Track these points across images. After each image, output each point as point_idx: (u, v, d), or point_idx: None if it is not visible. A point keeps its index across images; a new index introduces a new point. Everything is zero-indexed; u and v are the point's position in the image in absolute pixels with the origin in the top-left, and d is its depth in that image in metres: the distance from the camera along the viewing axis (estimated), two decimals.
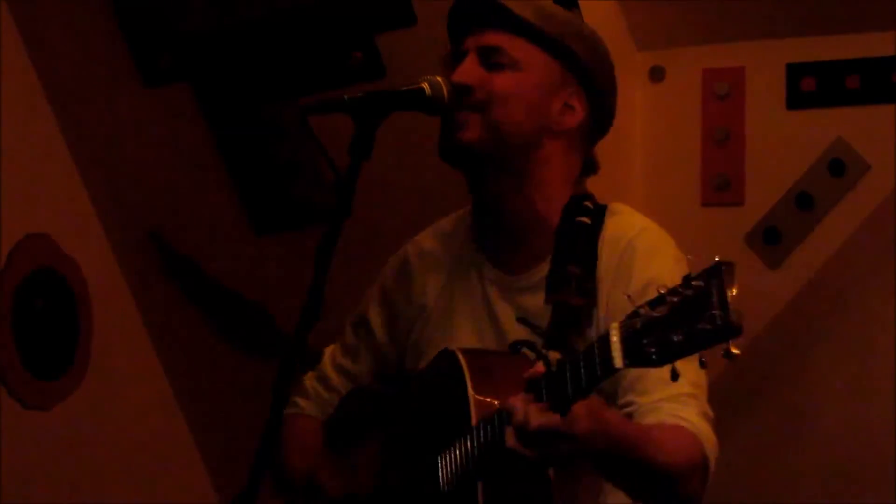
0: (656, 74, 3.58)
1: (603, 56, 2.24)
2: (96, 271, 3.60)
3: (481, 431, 1.91)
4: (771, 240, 3.42)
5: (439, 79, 2.06)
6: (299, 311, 1.88)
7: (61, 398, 3.47)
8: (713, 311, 1.51)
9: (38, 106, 3.51)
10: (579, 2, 3.23)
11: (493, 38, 2.14)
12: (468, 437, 1.94)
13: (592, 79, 2.20)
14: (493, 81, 2.12)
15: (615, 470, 1.91)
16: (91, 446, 3.54)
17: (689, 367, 2.01)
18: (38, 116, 3.51)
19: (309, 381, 2.38)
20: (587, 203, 2.16)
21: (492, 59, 2.13)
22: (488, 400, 1.95)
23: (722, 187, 3.49)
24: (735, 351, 1.53)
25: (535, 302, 2.10)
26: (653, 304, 1.58)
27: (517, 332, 2.08)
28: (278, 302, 3.61)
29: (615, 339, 1.64)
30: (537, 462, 1.81)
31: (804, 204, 3.38)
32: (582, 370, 1.71)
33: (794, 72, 3.42)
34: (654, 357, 1.58)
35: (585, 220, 2.13)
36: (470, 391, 1.96)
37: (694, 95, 3.53)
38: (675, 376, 1.58)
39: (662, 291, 1.58)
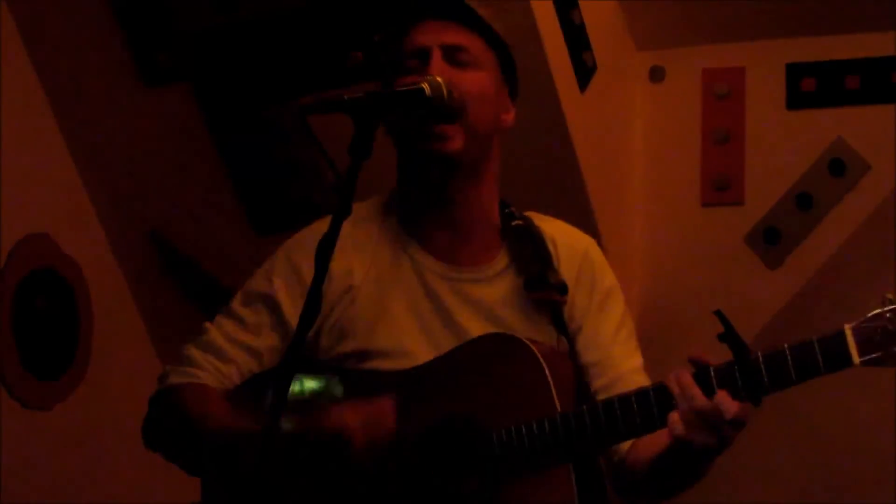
0: (656, 74, 3.58)
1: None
2: (96, 271, 3.60)
3: (570, 420, 1.96)
4: (771, 240, 3.42)
5: (439, 79, 2.05)
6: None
7: (61, 398, 3.47)
8: None
9: (38, 106, 3.51)
10: (579, 2, 3.23)
11: (457, 36, 2.15)
12: (550, 422, 1.97)
13: (513, 74, 2.23)
14: (464, 82, 2.11)
15: (695, 470, 2.01)
16: (91, 446, 3.54)
17: (646, 377, 2.15)
18: (38, 116, 3.51)
19: (195, 352, 2.24)
20: (511, 209, 2.22)
21: (457, 58, 2.14)
22: (565, 391, 2.00)
23: (722, 187, 3.49)
24: None
25: (489, 293, 2.13)
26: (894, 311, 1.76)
27: (471, 322, 2.10)
28: None
29: (850, 335, 1.81)
30: (704, 449, 1.87)
31: (804, 204, 3.38)
32: (790, 363, 1.85)
33: (794, 72, 3.42)
34: (881, 360, 1.76)
35: (520, 222, 2.18)
36: (550, 380, 1.99)
37: (694, 95, 3.53)
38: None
39: None
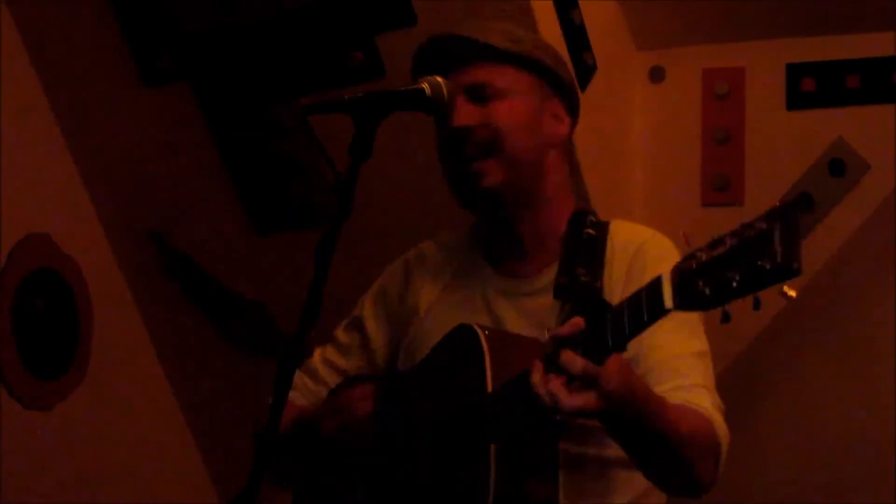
0: (656, 74, 3.58)
1: (560, 57, 2.27)
2: (96, 271, 3.61)
3: (498, 397, 1.93)
4: None
5: (439, 79, 2.06)
6: (299, 311, 1.88)
7: (61, 398, 3.47)
8: (774, 249, 1.47)
9: (38, 106, 3.51)
10: (579, 2, 3.23)
11: (476, 75, 2.15)
12: (482, 404, 1.95)
13: (563, 83, 2.23)
14: (493, 115, 2.13)
15: (634, 438, 1.89)
16: (91, 446, 3.54)
17: (699, 363, 2.06)
18: (38, 116, 3.51)
19: (297, 373, 2.34)
20: (591, 217, 2.18)
21: (482, 94, 2.14)
22: (505, 368, 1.95)
23: (722, 187, 3.49)
24: (791, 293, 1.51)
25: (541, 304, 2.12)
26: (711, 245, 1.57)
27: (521, 331, 2.09)
28: (278, 302, 3.61)
29: (666, 279, 1.63)
30: (563, 411, 1.78)
31: (804, 204, 3.38)
32: (625, 315, 1.70)
33: (794, 72, 3.42)
34: (707, 296, 1.56)
35: (591, 231, 2.16)
36: (487, 358, 1.98)
37: (694, 95, 3.53)
38: (726, 319, 1.57)
39: (721, 235, 1.56)
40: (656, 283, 1.64)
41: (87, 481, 3.51)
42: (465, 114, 2.12)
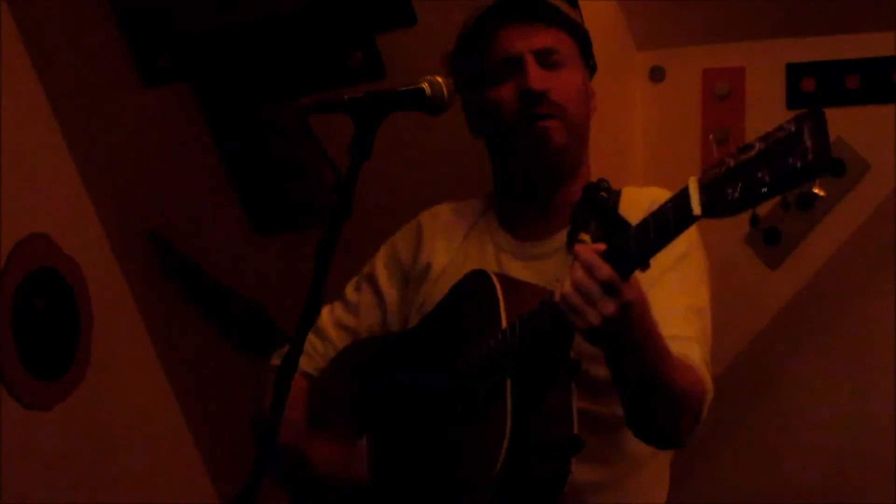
0: (656, 74, 3.58)
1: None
2: (96, 271, 3.60)
3: (512, 331, 1.93)
4: (771, 240, 3.42)
5: (439, 79, 2.05)
6: (299, 311, 1.88)
7: (61, 398, 3.47)
8: (805, 146, 1.47)
9: (38, 106, 3.51)
10: (579, 2, 3.23)
11: (547, 38, 2.17)
12: (497, 339, 1.96)
13: (594, 63, 2.29)
14: (562, 83, 2.15)
15: (633, 369, 1.89)
16: (91, 446, 3.54)
17: (696, 317, 2.06)
18: (38, 116, 3.51)
19: None
20: (604, 184, 2.19)
21: (549, 60, 2.16)
22: (517, 309, 1.96)
23: None
24: (820, 192, 1.52)
25: (554, 265, 2.13)
26: (741, 150, 1.56)
27: None
28: (278, 302, 3.61)
29: (693, 186, 1.61)
30: (579, 328, 1.78)
31: (804, 204, 3.38)
32: (652, 227, 1.69)
33: (794, 72, 3.42)
34: (737, 199, 1.55)
35: (604, 195, 2.16)
36: (500, 297, 1.99)
37: (694, 95, 3.53)
38: (755, 221, 1.57)
39: (751, 141, 1.55)
40: (683, 191, 1.63)
41: (87, 481, 3.51)
42: (540, 77, 2.13)
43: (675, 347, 1.98)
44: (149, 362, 3.76)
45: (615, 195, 2.17)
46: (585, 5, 3.24)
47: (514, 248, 2.21)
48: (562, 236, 2.13)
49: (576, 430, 1.95)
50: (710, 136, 3.48)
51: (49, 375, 3.44)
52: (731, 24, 3.44)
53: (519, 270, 2.17)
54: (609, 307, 1.75)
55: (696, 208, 1.61)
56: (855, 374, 3.44)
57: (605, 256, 1.76)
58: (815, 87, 3.40)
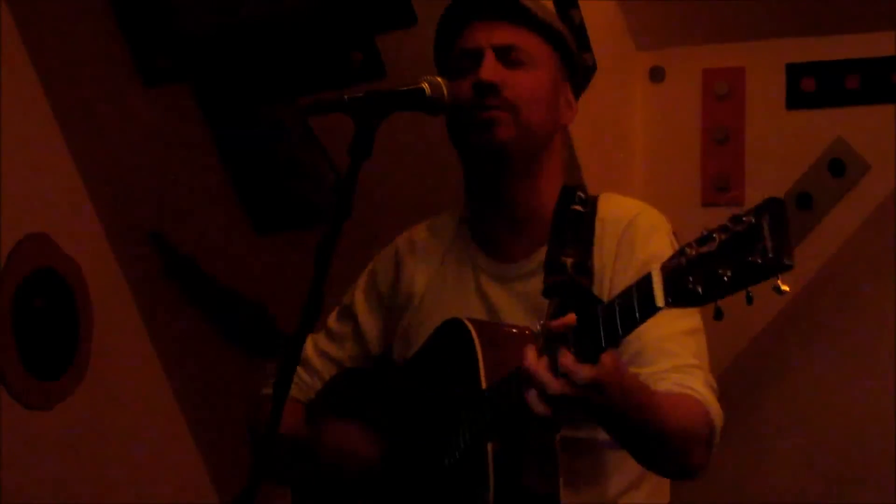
0: (656, 74, 3.58)
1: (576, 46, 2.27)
2: (96, 271, 3.60)
3: (493, 395, 1.92)
4: None
5: (439, 79, 2.05)
6: (299, 311, 1.88)
7: (61, 398, 3.47)
8: (765, 244, 1.45)
9: (38, 106, 3.51)
10: (579, 2, 3.23)
11: (508, 36, 2.14)
12: (478, 402, 1.94)
13: (576, 67, 2.24)
14: (518, 82, 2.11)
15: (624, 430, 1.88)
16: (91, 446, 3.54)
17: (691, 340, 2.03)
18: (38, 116, 3.51)
19: None
20: (579, 193, 2.17)
21: (510, 57, 2.13)
22: (498, 364, 1.94)
23: (722, 187, 3.49)
24: (785, 288, 1.49)
25: (532, 287, 2.09)
26: (700, 241, 1.55)
27: (515, 316, 2.10)
28: (278, 302, 3.61)
29: (657, 277, 1.60)
30: (557, 415, 1.77)
31: (804, 204, 3.38)
32: (618, 315, 1.67)
33: (794, 72, 3.42)
34: (699, 293, 1.53)
35: (579, 208, 2.14)
36: (479, 355, 1.96)
37: (694, 95, 3.53)
38: (718, 315, 1.56)
39: (709, 231, 1.54)
40: (646, 282, 1.62)
41: (87, 481, 3.51)
42: (494, 70, 2.10)
43: (675, 378, 1.98)
44: (149, 362, 3.76)
45: (591, 203, 2.15)
46: (585, 5, 3.24)
47: (492, 269, 2.18)
48: (540, 255, 2.11)
49: (560, 491, 1.93)
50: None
51: (49, 375, 3.44)
52: (731, 24, 3.44)
53: (500, 295, 2.15)
54: (580, 393, 1.73)
55: (660, 300, 1.60)
56: (855, 374, 3.44)
57: (575, 334, 1.74)
58: (815, 87, 3.40)
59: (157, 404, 3.76)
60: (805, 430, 3.49)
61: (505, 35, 2.14)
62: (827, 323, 3.46)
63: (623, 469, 2.07)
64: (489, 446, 1.91)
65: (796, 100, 3.42)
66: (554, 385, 1.74)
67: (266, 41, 3.29)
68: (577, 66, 2.23)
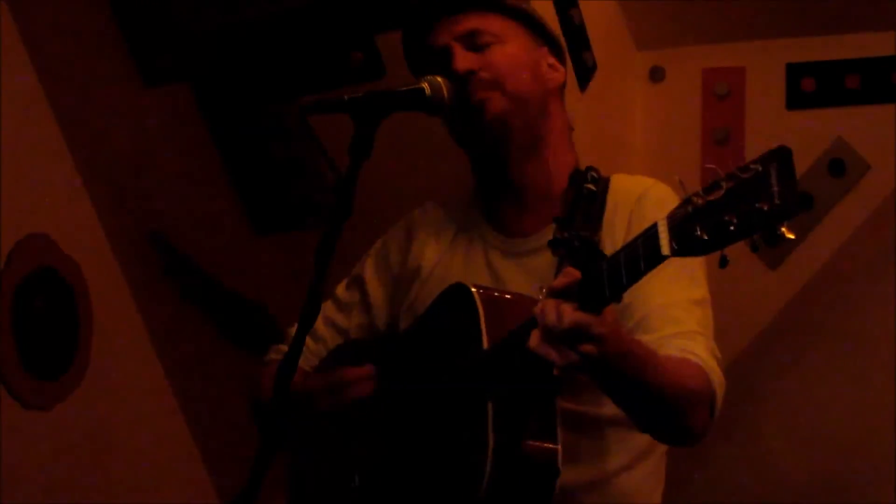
0: (656, 74, 3.58)
1: (538, 13, 2.30)
2: (96, 271, 3.60)
3: (494, 352, 1.93)
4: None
5: (439, 79, 2.06)
6: (299, 311, 1.88)
7: (61, 398, 3.47)
8: (772, 189, 1.46)
9: (38, 106, 3.51)
10: (579, 2, 3.23)
11: (468, 23, 2.17)
12: (478, 362, 1.95)
13: (550, 35, 2.26)
14: (491, 60, 2.15)
15: (623, 389, 1.89)
16: (91, 446, 3.54)
17: (697, 309, 2.05)
18: (38, 116, 3.51)
19: (292, 330, 2.36)
20: (592, 173, 2.19)
21: (476, 42, 2.17)
22: (500, 325, 1.95)
23: None
24: (790, 235, 1.48)
25: (542, 262, 2.11)
26: (707, 189, 1.55)
27: (523, 290, 2.09)
28: (278, 302, 3.61)
29: (662, 226, 1.60)
30: (558, 365, 1.77)
31: (804, 204, 3.38)
32: (622, 266, 1.68)
33: (794, 72, 3.42)
34: (706, 241, 1.54)
35: (591, 186, 2.16)
36: (481, 315, 1.97)
37: (694, 95, 3.53)
38: (724, 263, 1.56)
39: (717, 179, 1.54)
40: (652, 230, 1.63)
41: (87, 481, 3.51)
42: (464, 58, 2.14)
43: (678, 343, 1.98)
44: (149, 362, 3.76)
45: (603, 183, 2.17)
46: (585, 5, 3.25)
47: (502, 244, 2.21)
48: (549, 231, 2.12)
49: (560, 453, 1.93)
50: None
51: (49, 375, 3.44)
52: (731, 24, 3.44)
53: (508, 269, 2.17)
54: (582, 347, 1.74)
55: (665, 248, 1.61)
56: (855, 374, 3.44)
57: (579, 287, 1.74)
58: (814, 87, 3.40)
59: (156, 404, 3.76)
60: (805, 429, 3.49)
61: (466, 23, 2.17)
62: (827, 323, 3.46)
63: (623, 447, 2.08)
64: (489, 405, 1.92)
65: (796, 100, 3.42)
66: (556, 318, 1.73)
67: (266, 41, 3.29)
68: (548, 34, 2.26)
